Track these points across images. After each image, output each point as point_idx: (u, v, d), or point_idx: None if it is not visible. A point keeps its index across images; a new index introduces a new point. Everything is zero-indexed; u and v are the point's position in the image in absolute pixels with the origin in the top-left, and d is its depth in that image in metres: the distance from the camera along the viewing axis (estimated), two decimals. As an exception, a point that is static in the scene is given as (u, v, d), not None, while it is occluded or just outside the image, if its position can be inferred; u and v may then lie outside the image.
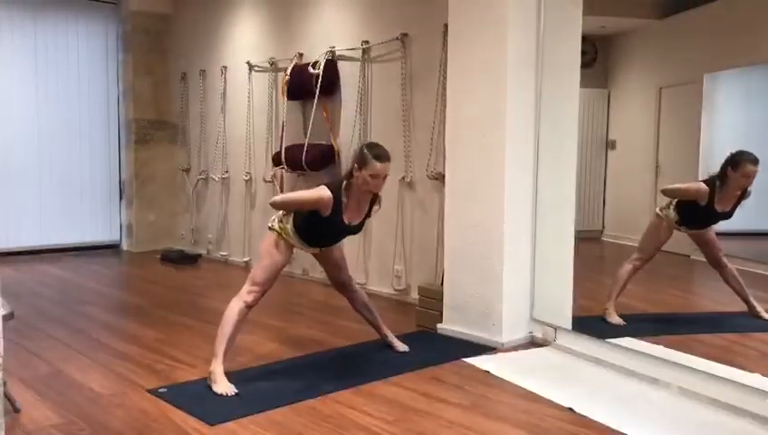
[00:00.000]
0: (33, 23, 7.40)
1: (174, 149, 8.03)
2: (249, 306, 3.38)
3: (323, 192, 3.28)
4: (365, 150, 3.32)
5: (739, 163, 3.91)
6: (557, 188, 4.16)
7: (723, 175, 3.97)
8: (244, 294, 3.38)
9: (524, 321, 4.12)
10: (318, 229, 3.43)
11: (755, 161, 3.87)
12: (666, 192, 4.25)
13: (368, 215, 3.52)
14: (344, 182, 3.37)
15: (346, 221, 3.38)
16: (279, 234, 3.43)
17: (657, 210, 4.25)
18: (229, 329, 3.33)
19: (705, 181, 4.07)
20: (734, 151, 3.95)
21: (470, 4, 4.10)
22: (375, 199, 3.49)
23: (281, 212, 3.50)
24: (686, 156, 4.59)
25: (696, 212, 4.09)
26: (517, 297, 4.07)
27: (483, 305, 4.08)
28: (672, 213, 4.17)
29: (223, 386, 3.22)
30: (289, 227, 3.43)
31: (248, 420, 2.90)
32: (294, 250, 3.55)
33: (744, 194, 3.98)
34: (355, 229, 3.49)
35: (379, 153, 3.30)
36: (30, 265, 6.86)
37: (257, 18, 6.72)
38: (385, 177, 3.33)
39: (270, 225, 3.49)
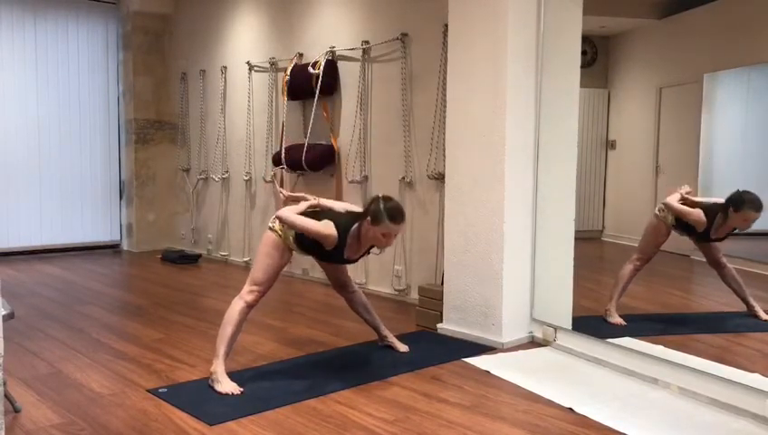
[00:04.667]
0: (33, 22, 7.41)
1: (174, 149, 8.03)
2: (250, 306, 3.38)
3: (331, 232, 3.22)
4: (380, 207, 3.18)
5: (742, 207, 3.84)
6: (557, 189, 4.16)
7: (724, 210, 3.92)
8: (245, 294, 3.38)
9: (524, 321, 4.13)
10: (316, 250, 3.42)
11: (759, 208, 3.79)
12: (667, 206, 4.20)
13: (366, 252, 3.49)
14: (353, 227, 3.30)
15: (345, 257, 3.40)
16: (279, 235, 3.43)
17: (656, 211, 4.26)
18: (230, 329, 3.33)
19: (706, 209, 4.00)
20: (741, 190, 3.87)
21: (470, 4, 4.10)
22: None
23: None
24: (685, 156, 4.58)
25: (691, 228, 4.14)
26: (517, 297, 4.08)
27: (483, 305, 4.08)
28: (670, 217, 4.19)
29: (227, 385, 3.23)
30: (291, 233, 3.40)
31: (248, 420, 2.90)
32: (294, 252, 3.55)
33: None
34: (352, 262, 3.52)
35: (395, 213, 3.19)
36: (30, 265, 6.86)
37: (257, 18, 6.73)
38: (396, 234, 3.27)
39: (270, 225, 3.47)
